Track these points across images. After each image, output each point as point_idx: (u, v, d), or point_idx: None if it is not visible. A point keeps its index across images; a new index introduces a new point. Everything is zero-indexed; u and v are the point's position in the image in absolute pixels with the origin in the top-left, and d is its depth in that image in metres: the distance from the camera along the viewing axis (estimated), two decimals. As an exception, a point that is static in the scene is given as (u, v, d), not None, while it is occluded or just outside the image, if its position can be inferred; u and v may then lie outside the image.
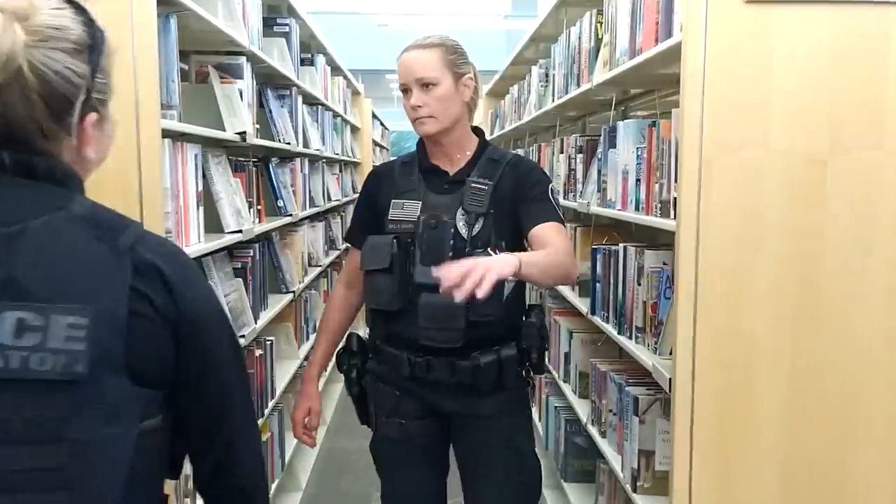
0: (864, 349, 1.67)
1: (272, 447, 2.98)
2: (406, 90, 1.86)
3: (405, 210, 1.84)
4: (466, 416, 1.88)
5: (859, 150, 1.63)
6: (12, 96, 0.85)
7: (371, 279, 1.85)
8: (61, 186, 0.91)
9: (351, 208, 6.68)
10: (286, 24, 3.52)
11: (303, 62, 4.23)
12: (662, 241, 2.36)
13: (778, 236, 1.65)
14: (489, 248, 1.76)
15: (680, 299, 1.67)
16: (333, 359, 2.07)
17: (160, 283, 0.90)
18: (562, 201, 2.94)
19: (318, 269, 4.19)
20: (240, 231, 2.38)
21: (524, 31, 4.51)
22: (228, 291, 2.44)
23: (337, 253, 5.13)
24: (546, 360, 2.06)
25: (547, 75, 3.78)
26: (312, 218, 4.24)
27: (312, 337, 3.97)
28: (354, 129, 7.20)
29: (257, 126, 2.92)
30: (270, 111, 3.25)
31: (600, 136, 2.61)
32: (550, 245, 1.75)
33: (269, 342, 2.85)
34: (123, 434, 0.87)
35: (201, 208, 2.10)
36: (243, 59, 2.62)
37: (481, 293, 1.42)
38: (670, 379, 1.72)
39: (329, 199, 4.85)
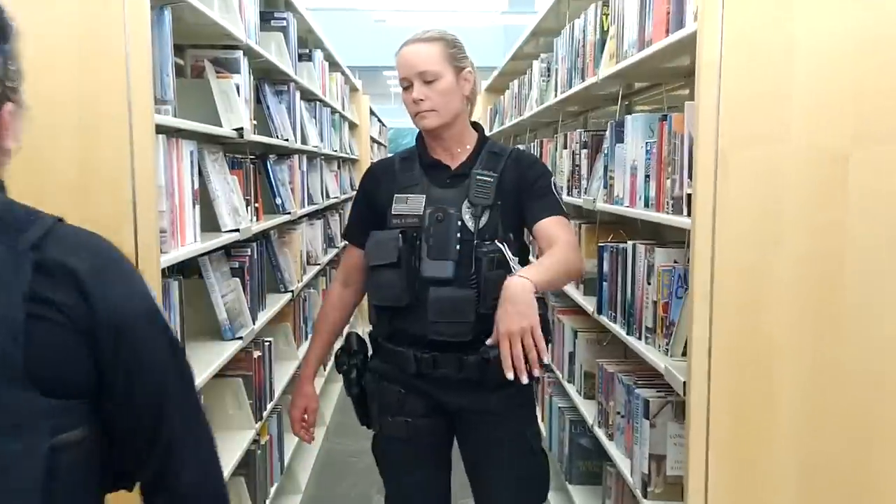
0: (887, 350, 1.60)
1: (271, 450, 2.92)
2: (407, 85, 1.83)
3: (409, 204, 1.82)
4: (474, 412, 1.86)
5: (884, 143, 1.56)
6: None
7: (377, 275, 1.82)
8: None
9: (349, 206, 6.62)
10: (283, 19, 3.45)
11: (300, 57, 4.17)
12: (670, 238, 2.31)
13: (797, 233, 1.58)
14: (496, 240, 1.76)
15: (695, 299, 1.61)
16: (332, 359, 2.03)
17: (70, 284, 0.83)
18: (566, 198, 2.88)
19: (317, 268, 4.13)
20: (237, 230, 2.31)
21: (523, 27, 4.45)
22: (226, 292, 2.37)
23: (336, 251, 5.06)
24: (549, 353, 1.95)
25: (549, 70, 3.72)
26: (311, 216, 4.17)
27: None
28: (352, 126, 7.12)
29: (254, 122, 2.85)
30: (268, 107, 3.19)
31: (606, 130, 2.55)
32: (555, 241, 1.75)
33: (267, 343, 2.79)
34: (29, 450, 0.79)
35: (197, 207, 2.03)
36: (240, 54, 2.56)
37: (545, 357, 1.60)
38: (685, 382, 1.66)
39: (327, 196, 4.79)
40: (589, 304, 2.67)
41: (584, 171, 2.90)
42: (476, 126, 1.94)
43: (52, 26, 1.53)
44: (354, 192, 6.83)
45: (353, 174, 7.02)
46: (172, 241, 1.80)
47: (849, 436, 1.63)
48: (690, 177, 1.70)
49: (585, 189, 2.83)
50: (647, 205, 2.08)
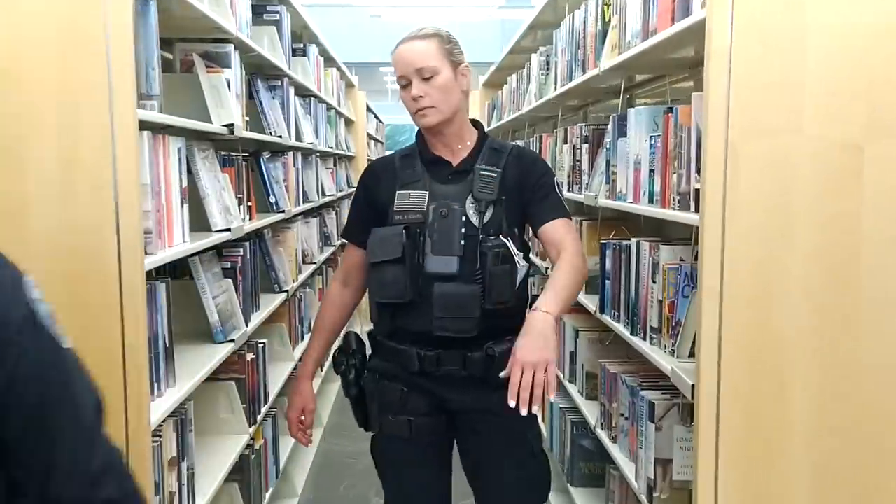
0: (904, 351, 1.54)
1: (266, 454, 2.85)
2: (405, 83, 1.83)
3: (412, 200, 1.81)
4: (476, 412, 1.84)
5: (901, 134, 1.50)
6: None
7: (379, 272, 1.81)
8: None
9: (346, 203, 6.56)
10: (276, 12, 3.38)
11: (295, 52, 4.10)
12: (676, 234, 2.24)
13: (810, 228, 1.52)
14: (501, 235, 1.77)
15: (704, 298, 1.54)
16: (329, 359, 1.98)
17: None
18: (567, 194, 2.81)
19: (313, 267, 4.06)
20: (228, 229, 2.24)
21: (520, 22, 4.37)
22: (217, 293, 2.30)
23: (332, 249, 4.99)
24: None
25: (548, 63, 3.65)
26: (306, 214, 4.10)
27: (307, 337, 3.84)
28: (349, 122, 7.05)
29: (247, 118, 2.79)
30: (261, 103, 3.11)
31: (607, 124, 2.48)
32: (563, 248, 1.78)
33: (261, 345, 2.71)
34: None
35: (186, 206, 1.96)
36: (231, 47, 2.48)
37: (552, 396, 1.62)
38: (693, 385, 1.60)
39: (323, 194, 4.72)
40: (591, 302, 2.60)
41: (585, 166, 2.83)
42: (476, 123, 1.94)
43: (29, 18, 1.47)
44: (351, 190, 6.75)
45: (350, 171, 6.95)
46: (159, 242, 1.73)
47: (865, 438, 1.56)
48: (698, 171, 1.64)
49: (587, 185, 2.76)
50: (651, 200, 2.01)
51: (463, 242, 1.77)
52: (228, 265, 2.44)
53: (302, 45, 4.26)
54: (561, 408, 3.05)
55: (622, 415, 2.27)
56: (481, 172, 1.81)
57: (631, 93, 3.02)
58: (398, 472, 1.92)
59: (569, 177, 3.05)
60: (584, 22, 2.77)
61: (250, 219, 2.73)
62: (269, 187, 3.12)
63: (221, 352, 2.19)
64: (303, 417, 2.01)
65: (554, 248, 1.81)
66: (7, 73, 1.46)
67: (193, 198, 2.15)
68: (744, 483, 1.57)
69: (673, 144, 1.84)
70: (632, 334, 2.15)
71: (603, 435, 2.46)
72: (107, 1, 1.47)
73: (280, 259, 3.24)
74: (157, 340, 1.74)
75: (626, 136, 2.23)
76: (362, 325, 2.13)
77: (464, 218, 1.78)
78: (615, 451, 2.32)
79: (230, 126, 2.30)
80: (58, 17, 1.47)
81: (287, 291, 3.16)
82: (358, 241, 1.93)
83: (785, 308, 1.53)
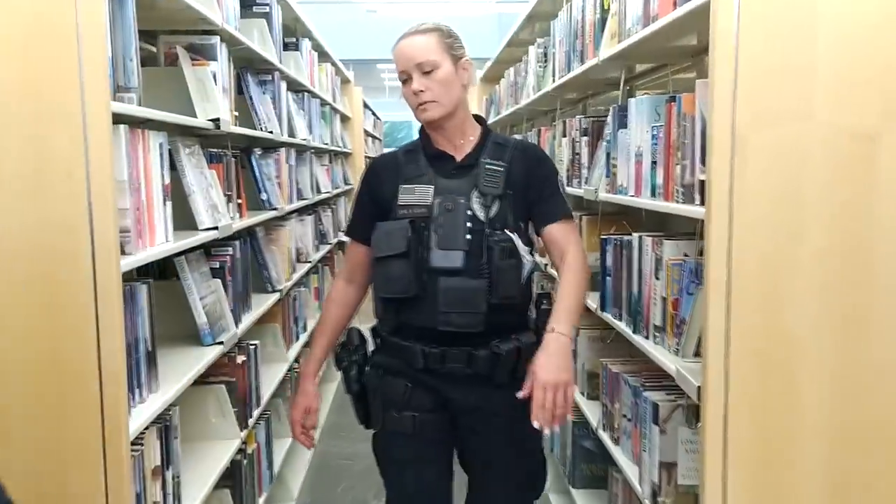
0: (922, 349, 1.46)
1: (259, 458, 2.78)
2: (405, 78, 1.82)
3: (417, 194, 1.81)
4: (479, 409, 1.83)
5: (918, 121, 1.41)
6: None
7: (384, 266, 1.80)
8: None
9: (343, 200, 6.49)
10: (266, 5, 3.30)
11: (287, 47, 4.02)
12: (679, 228, 2.16)
13: (822, 221, 1.43)
14: (507, 230, 1.77)
15: (710, 296, 1.46)
16: (331, 356, 1.99)
17: None
18: (566, 188, 2.74)
19: (308, 265, 3.98)
20: (215, 228, 2.16)
21: (517, 14, 4.29)
22: (205, 294, 2.22)
23: (328, 247, 4.92)
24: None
25: (546, 55, 3.57)
26: (301, 211, 4.02)
27: (302, 337, 3.77)
28: (345, 119, 6.96)
29: (236, 113, 2.71)
30: (251, 97, 3.04)
31: (607, 116, 2.40)
32: (566, 252, 1.80)
33: (252, 346, 2.64)
34: None
35: (169, 203, 1.88)
36: (217, 39, 2.40)
37: (570, 415, 1.70)
38: (699, 387, 1.52)
39: (318, 191, 4.64)
40: (591, 300, 2.52)
41: (584, 159, 2.75)
42: (479, 118, 1.93)
43: (-4, 5, 1.39)
44: (349, 187, 6.65)
45: (347, 168, 6.87)
46: (139, 242, 1.65)
47: (880, 441, 1.48)
48: (703, 162, 1.56)
49: (586, 179, 2.68)
50: (653, 194, 1.93)
51: (469, 237, 1.76)
52: (217, 265, 2.36)
53: (295, 40, 4.18)
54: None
55: (625, 416, 2.20)
56: (487, 167, 1.80)
57: (631, 84, 2.94)
58: (401, 470, 1.89)
59: (568, 171, 2.97)
60: (583, 10, 2.69)
61: (241, 217, 2.65)
62: (260, 184, 3.04)
63: (209, 354, 2.12)
64: (306, 417, 1.97)
65: (557, 251, 1.83)
66: (-27, 65, 1.38)
67: (178, 195, 2.08)
68: (753, 488, 1.49)
69: (676, 135, 1.76)
70: (634, 333, 2.07)
71: (605, 436, 2.39)
72: (78, -12, 1.40)
73: (273, 258, 3.16)
74: (139, 344, 1.67)
75: (626, 127, 2.15)
76: (359, 321, 2.07)
77: (469, 212, 1.77)
78: (618, 453, 2.24)
79: (216, 121, 2.22)
80: (25, 5, 1.39)
81: (280, 291, 3.09)
82: (361, 239, 1.92)
83: (795, 305, 1.45)
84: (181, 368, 1.97)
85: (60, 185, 1.40)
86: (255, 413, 2.65)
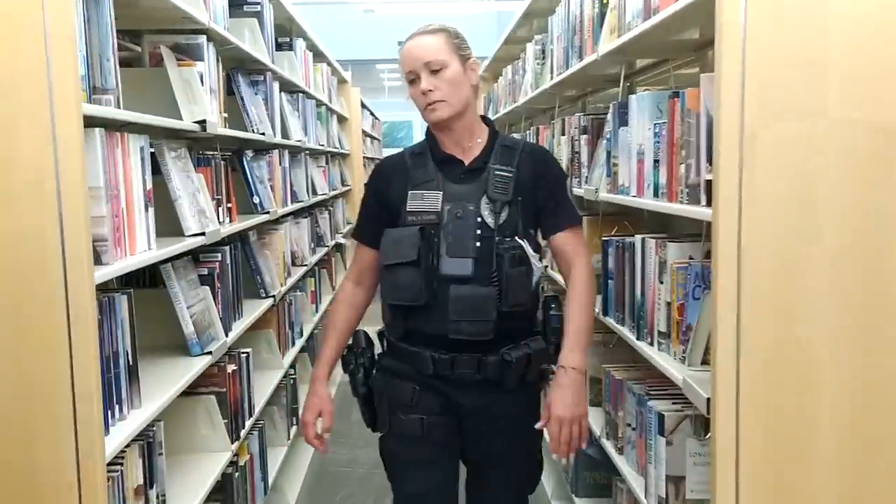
0: (944, 357, 1.38)
1: (252, 470, 2.70)
2: (413, 78, 1.82)
3: (425, 201, 1.79)
4: (487, 412, 1.83)
5: (939, 115, 1.33)
6: None
7: (393, 274, 1.79)
8: None
9: (341, 202, 6.41)
10: (258, 3, 3.22)
11: (281, 47, 3.95)
12: (683, 229, 2.08)
13: (838, 223, 1.35)
14: (516, 236, 1.76)
15: (719, 303, 1.38)
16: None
17: None
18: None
19: (304, 269, 3.90)
20: (202, 234, 2.08)
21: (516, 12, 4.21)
22: (193, 302, 2.14)
23: (325, 250, 4.84)
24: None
25: (544, 51, 3.49)
26: (296, 214, 3.94)
27: (298, 343, 3.69)
28: (342, 119, 6.89)
29: (225, 115, 2.63)
30: (242, 98, 2.96)
31: (607, 113, 2.32)
32: (572, 265, 1.83)
33: (244, 355, 2.56)
34: None
35: (151, 210, 1.80)
36: (203, 39, 2.32)
37: (585, 445, 1.81)
38: (708, 399, 1.44)
39: (315, 193, 4.56)
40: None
41: (584, 158, 2.67)
42: (486, 120, 1.92)
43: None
44: (345, 189, 6.58)
45: (344, 169, 6.79)
46: (116, 251, 1.57)
47: (899, 456, 1.40)
48: (709, 160, 1.48)
49: (586, 178, 2.60)
50: (656, 194, 1.85)
51: (478, 244, 1.75)
52: (206, 271, 2.28)
53: (289, 40, 4.10)
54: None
55: (629, 425, 2.12)
56: (496, 172, 1.79)
57: (631, 80, 2.86)
58: (408, 472, 1.89)
59: (567, 170, 2.88)
60: (581, 5, 2.61)
61: (231, 221, 2.57)
62: (252, 187, 2.96)
63: (197, 366, 2.04)
64: (319, 420, 1.96)
65: (563, 262, 1.86)
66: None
67: (165, 200, 2.00)
68: (766, 505, 1.41)
69: (680, 132, 1.68)
70: (638, 339, 1.99)
71: (608, 445, 2.31)
72: (47, -16, 1.32)
73: (266, 262, 3.08)
74: (118, 358, 1.59)
75: (627, 124, 2.07)
76: (365, 323, 2.02)
77: (479, 219, 1.76)
78: (622, 463, 2.16)
79: (202, 123, 2.14)
80: (-10, 1, 1.31)
81: (273, 297, 3.01)
82: (369, 242, 1.91)
83: (809, 311, 1.37)
84: (167, 380, 1.90)
85: (28, 191, 1.32)
86: (248, 423, 2.57)
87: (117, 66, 1.66)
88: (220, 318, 2.30)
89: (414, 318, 1.80)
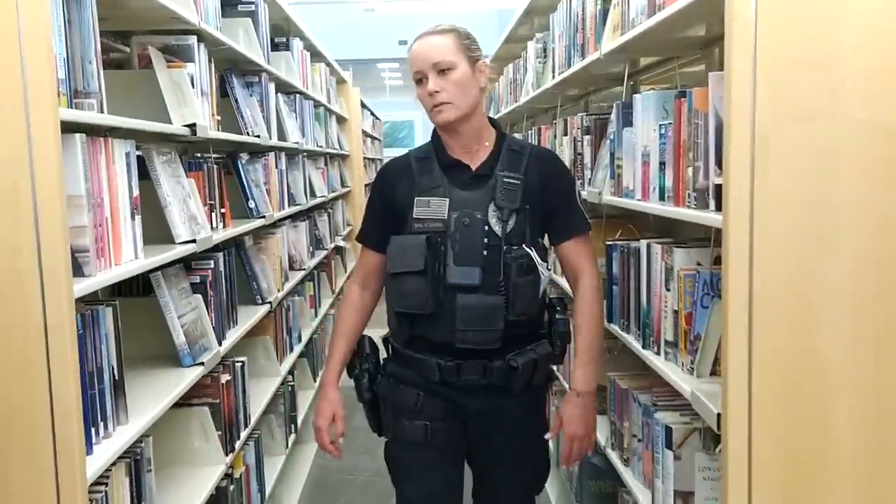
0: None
1: (248, 481, 2.63)
2: (420, 78, 1.79)
3: (432, 208, 1.77)
4: (493, 414, 1.84)
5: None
6: None
7: (399, 282, 1.78)
8: None
9: (340, 204, 6.35)
10: (252, 3, 3.15)
11: (277, 47, 3.89)
12: (690, 233, 2.01)
13: (856, 229, 1.28)
14: (524, 245, 1.75)
15: (730, 314, 1.31)
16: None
17: None
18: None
19: (302, 273, 3.83)
20: (193, 241, 2.02)
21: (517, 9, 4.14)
22: (184, 311, 2.08)
23: (324, 253, 4.78)
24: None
25: (545, 50, 3.42)
26: (294, 217, 3.88)
27: (297, 349, 3.63)
28: (341, 120, 6.82)
29: (218, 117, 2.56)
30: (236, 100, 2.90)
31: (611, 113, 2.25)
32: (579, 275, 1.85)
33: (239, 364, 2.49)
34: None
35: (138, 217, 1.74)
36: (194, 39, 2.26)
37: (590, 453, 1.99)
38: (719, 414, 1.37)
39: (313, 195, 4.50)
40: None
41: (587, 159, 2.60)
42: (493, 122, 1.90)
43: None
44: (345, 190, 6.50)
45: (344, 171, 6.72)
46: (99, 261, 1.50)
47: (921, 473, 1.33)
48: (719, 164, 1.41)
49: (590, 180, 2.53)
50: (662, 197, 1.78)
51: (485, 253, 1.73)
52: (198, 279, 2.22)
53: (285, 40, 4.04)
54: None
55: (635, 436, 2.05)
56: (504, 180, 1.76)
57: (635, 79, 2.79)
58: (412, 478, 1.88)
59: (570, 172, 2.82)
60: (583, 2, 2.54)
61: (224, 227, 2.51)
62: (247, 191, 2.90)
63: (189, 377, 1.98)
64: (332, 425, 1.94)
65: (569, 271, 1.88)
66: None
67: (153, 207, 1.94)
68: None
69: (687, 134, 1.61)
70: (644, 348, 1.92)
71: (614, 456, 2.24)
72: (21, -17, 1.25)
73: (262, 268, 3.02)
74: (103, 373, 1.52)
75: (631, 125, 2.00)
76: (375, 329, 1.98)
77: (486, 227, 1.74)
78: (628, 475, 2.09)
79: (192, 126, 2.08)
80: (-39, 1, 1.24)
81: (270, 303, 2.94)
82: (374, 246, 1.91)
83: (826, 323, 1.30)
84: (157, 393, 1.83)
85: (3, 202, 1.25)
86: (243, 434, 2.50)
87: (101, 69, 1.59)
88: (214, 327, 2.24)
89: (420, 325, 1.79)
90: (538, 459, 1.94)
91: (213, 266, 2.29)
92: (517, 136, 4.11)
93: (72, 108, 1.47)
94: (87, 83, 1.56)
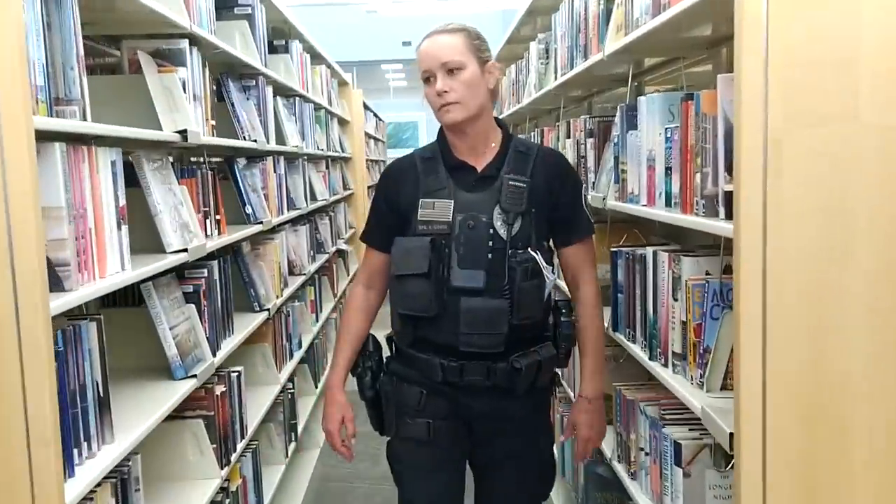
0: None
1: (245, 493, 2.57)
2: (428, 78, 1.78)
3: (437, 210, 1.76)
4: (497, 415, 1.82)
5: None
6: None
7: (403, 284, 1.77)
8: None
9: (342, 206, 6.28)
10: (248, 6, 3.09)
11: (276, 49, 3.83)
12: (698, 240, 1.94)
13: (873, 240, 1.21)
14: (529, 248, 1.73)
15: (743, 325, 1.24)
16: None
17: None
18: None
19: (303, 278, 3.77)
20: (184, 250, 1.96)
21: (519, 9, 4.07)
22: (176, 322, 2.02)
23: (326, 257, 4.72)
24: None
25: (547, 51, 3.35)
26: (294, 221, 3.82)
27: (297, 355, 3.57)
28: (343, 122, 6.76)
29: (213, 122, 2.50)
30: (232, 104, 2.84)
31: (615, 116, 2.18)
32: (580, 281, 1.86)
33: (235, 374, 2.43)
34: None
35: (124, 228, 1.68)
36: (185, 43, 2.20)
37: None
38: (731, 433, 1.30)
39: (314, 199, 4.44)
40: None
41: (590, 163, 2.53)
42: (500, 123, 1.89)
43: None
44: (347, 193, 6.45)
45: (346, 173, 6.67)
46: (82, 275, 1.44)
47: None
48: (729, 169, 1.34)
49: (594, 184, 2.47)
50: (668, 203, 1.71)
51: (490, 256, 1.72)
52: (191, 289, 2.16)
53: (284, 42, 3.98)
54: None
55: (642, 449, 1.98)
56: (510, 182, 1.74)
57: (639, 80, 2.73)
58: (414, 476, 1.88)
59: (573, 175, 2.75)
60: (585, 1, 2.48)
61: (219, 234, 2.44)
62: (244, 197, 2.84)
63: (180, 390, 1.92)
64: (343, 427, 1.94)
65: (570, 275, 1.88)
66: None
67: (144, 215, 1.88)
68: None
69: (695, 138, 1.54)
70: (651, 359, 1.85)
71: (620, 469, 2.17)
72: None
73: (260, 274, 2.96)
74: (86, 391, 1.46)
75: (636, 128, 1.93)
76: (379, 328, 1.94)
77: (491, 230, 1.73)
78: (635, 489, 2.02)
79: (183, 132, 2.01)
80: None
81: (268, 310, 2.88)
82: (378, 246, 1.90)
83: (845, 336, 1.23)
84: (146, 409, 1.77)
85: (-26, 216, 1.19)
86: (240, 446, 2.44)
87: (83, 75, 1.53)
88: (208, 337, 2.18)
89: (423, 327, 1.78)
90: (542, 462, 1.92)
91: (206, 275, 2.23)
92: (521, 136, 4.05)
93: (52, 115, 1.41)
94: (69, 90, 1.50)
